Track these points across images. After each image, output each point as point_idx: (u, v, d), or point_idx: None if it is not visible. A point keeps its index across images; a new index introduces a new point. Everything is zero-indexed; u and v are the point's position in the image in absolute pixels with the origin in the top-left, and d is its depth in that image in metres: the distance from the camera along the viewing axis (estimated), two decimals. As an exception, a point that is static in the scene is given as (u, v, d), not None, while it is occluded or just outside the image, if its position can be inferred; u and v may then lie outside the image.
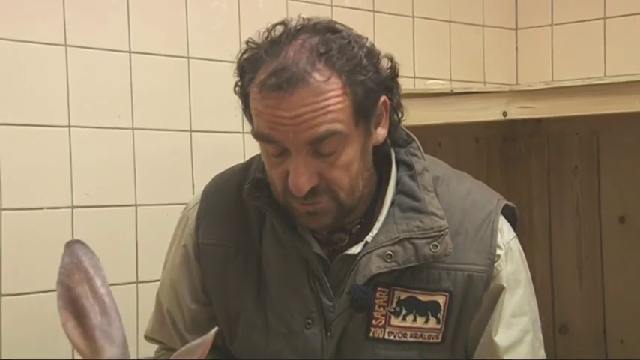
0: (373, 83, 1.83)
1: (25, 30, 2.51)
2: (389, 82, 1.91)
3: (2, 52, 2.50)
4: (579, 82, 2.56)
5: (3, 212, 2.46)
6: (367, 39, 1.89)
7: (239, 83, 1.89)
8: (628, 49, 3.44)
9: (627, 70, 3.23)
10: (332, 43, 1.80)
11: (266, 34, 1.86)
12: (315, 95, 1.77)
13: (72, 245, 1.65)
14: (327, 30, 1.84)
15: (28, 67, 2.52)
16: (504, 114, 2.60)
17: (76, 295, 1.59)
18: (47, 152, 2.56)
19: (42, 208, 2.54)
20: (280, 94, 1.76)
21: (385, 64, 1.91)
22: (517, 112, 2.60)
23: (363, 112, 1.83)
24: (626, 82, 2.44)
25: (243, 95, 1.87)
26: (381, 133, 1.92)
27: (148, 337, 2.26)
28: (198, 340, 1.45)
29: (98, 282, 1.60)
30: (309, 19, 1.88)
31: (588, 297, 3.50)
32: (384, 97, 1.88)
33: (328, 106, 1.77)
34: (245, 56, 1.86)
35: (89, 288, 1.60)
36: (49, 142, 2.56)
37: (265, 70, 1.79)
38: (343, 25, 1.89)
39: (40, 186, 2.54)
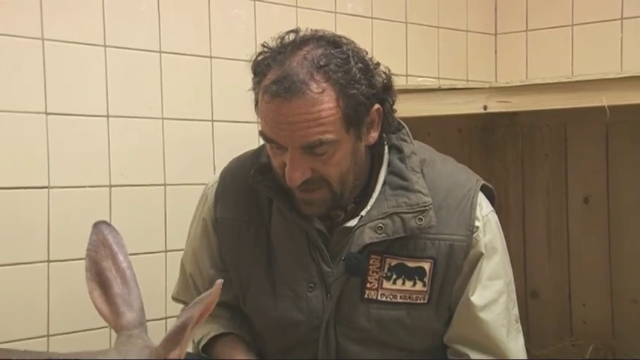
0: (364, 97, 1.82)
1: (70, 32, 2.53)
2: (382, 93, 1.89)
3: (53, 53, 2.51)
4: (550, 81, 2.56)
5: (51, 190, 2.49)
6: (367, 52, 1.89)
7: (254, 80, 1.88)
8: (592, 52, 3.44)
9: (592, 70, 3.23)
10: (332, 57, 1.80)
11: (279, 40, 1.86)
12: (310, 106, 1.77)
13: (99, 225, 1.68)
14: (330, 44, 1.84)
15: (73, 65, 2.54)
16: (485, 108, 2.61)
17: (101, 269, 1.63)
18: (89, 138, 2.58)
19: (84, 186, 2.57)
20: (280, 100, 1.77)
21: (381, 77, 1.90)
22: (496, 106, 2.60)
23: (353, 122, 1.83)
24: (591, 80, 2.45)
25: (255, 94, 1.87)
26: (373, 135, 1.91)
27: (175, 298, 2.27)
28: (207, 292, 1.48)
29: (120, 257, 1.63)
30: (316, 32, 1.87)
31: (556, 267, 3.52)
32: (377, 106, 1.88)
33: (321, 117, 1.78)
34: (258, 59, 1.86)
35: (112, 262, 1.64)
36: (90, 129, 2.58)
37: (271, 77, 1.80)
38: (347, 38, 1.88)
39: (83, 167, 2.56)
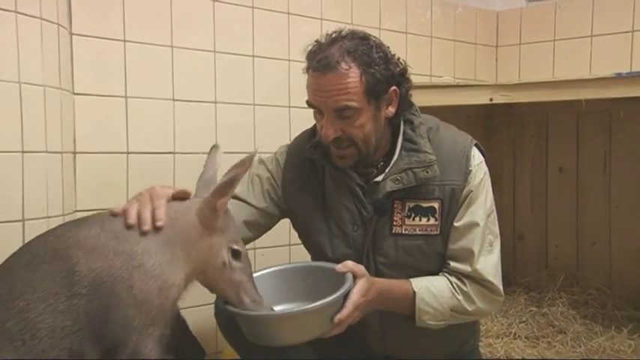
0: (382, 77, 1.84)
1: (140, 34, 2.45)
2: (398, 78, 1.90)
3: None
4: (537, 80, 2.59)
5: (130, 155, 2.44)
6: (388, 47, 1.91)
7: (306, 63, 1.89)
8: (569, 60, 3.42)
9: (568, 73, 3.26)
10: (359, 46, 1.83)
11: (326, 36, 1.89)
12: (339, 79, 1.81)
13: (213, 149, 1.79)
14: (360, 38, 1.87)
15: (149, 62, 2.47)
16: (491, 99, 2.62)
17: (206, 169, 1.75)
18: (158, 116, 2.51)
19: (154, 153, 2.50)
20: (319, 74, 1.82)
21: (398, 66, 1.90)
22: (499, 98, 2.61)
23: (372, 94, 1.84)
24: (567, 80, 2.47)
25: (306, 72, 1.89)
26: (390, 110, 1.91)
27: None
28: (246, 157, 1.56)
29: (211, 172, 1.73)
30: (353, 30, 1.91)
31: (536, 218, 3.55)
32: (394, 87, 1.89)
33: (347, 88, 1.81)
34: (310, 49, 1.89)
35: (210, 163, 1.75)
36: (159, 110, 2.52)
37: (315, 59, 1.83)
38: (375, 36, 1.91)
39: (154, 138, 2.50)
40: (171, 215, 1.63)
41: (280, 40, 2.82)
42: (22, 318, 1.50)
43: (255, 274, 1.79)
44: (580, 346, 2.65)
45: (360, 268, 1.80)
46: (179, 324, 1.72)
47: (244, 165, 1.59)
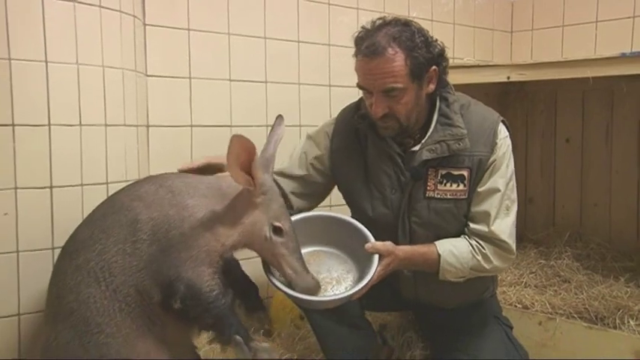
0: (424, 59, 1.81)
1: (202, 23, 2.44)
2: (438, 58, 1.86)
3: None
4: (547, 60, 2.54)
5: (193, 128, 2.44)
6: (427, 31, 1.87)
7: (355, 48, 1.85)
8: (574, 42, 3.37)
9: (573, 53, 3.27)
10: (403, 32, 1.80)
11: (372, 23, 1.86)
12: (386, 63, 1.78)
13: (277, 118, 1.82)
14: (403, 24, 1.83)
15: (209, 48, 2.47)
16: (508, 78, 2.57)
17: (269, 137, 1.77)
18: (217, 94, 2.51)
19: (213, 126, 2.50)
20: (368, 59, 1.79)
21: (437, 48, 1.86)
22: (515, 77, 2.56)
23: (416, 75, 1.81)
24: (576, 60, 2.42)
25: (355, 57, 1.85)
26: (431, 87, 1.88)
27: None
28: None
29: (271, 150, 1.74)
30: (396, 17, 1.86)
31: (545, 182, 3.50)
32: (434, 67, 1.86)
33: (394, 71, 1.78)
34: (357, 35, 1.85)
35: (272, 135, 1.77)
36: (218, 89, 2.51)
37: (364, 45, 1.80)
38: (415, 22, 1.87)
39: (213, 113, 2.50)
40: (223, 187, 1.67)
41: (322, 27, 2.81)
42: (101, 259, 1.58)
43: (300, 216, 1.84)
44: (582, 293, 2.64)
45: (387, 247, 1.79)
46: (233, 266, 1.74)
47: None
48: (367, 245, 1.77)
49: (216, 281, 1.62)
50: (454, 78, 2.09)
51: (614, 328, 2.36)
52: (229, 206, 1.64)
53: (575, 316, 2.46)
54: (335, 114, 2.14)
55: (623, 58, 2.29)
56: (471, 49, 3.47)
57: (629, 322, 2.37)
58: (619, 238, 3.20)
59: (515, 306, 2.57)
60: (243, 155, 1.57)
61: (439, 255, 1.86)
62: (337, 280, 1.77)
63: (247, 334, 1.61)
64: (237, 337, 1.58)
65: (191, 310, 1.58)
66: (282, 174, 2.05)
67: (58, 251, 1.72)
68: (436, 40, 1.89)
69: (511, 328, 2.15)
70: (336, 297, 1.70)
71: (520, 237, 3.16)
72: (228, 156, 1.55)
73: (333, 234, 1.86)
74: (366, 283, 1.71)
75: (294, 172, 2.07)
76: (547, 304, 2.56)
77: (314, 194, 2.10)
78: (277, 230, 1.66)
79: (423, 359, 2.18)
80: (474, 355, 1.97)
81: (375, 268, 1.74)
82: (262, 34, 2.62)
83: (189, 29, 2.43)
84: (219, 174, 1.78)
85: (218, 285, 1.62)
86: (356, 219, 1.90)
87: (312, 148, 2.09)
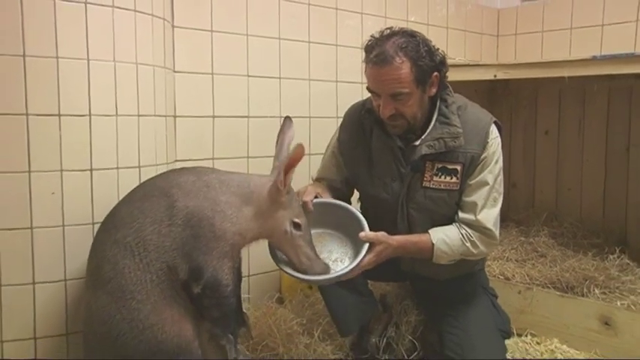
0: (427, 67, 1.79)
1: (223, 25, 2.41)
2: (439, 65, 1.85)
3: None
4: (529, 61, 2.52)
5: (215, 118, 2.42)
6: (431, 41, 1.85)
7: (365, 56, 1.83)
8: (552, 46, 3.39)
9: (552, 55, 3.26)
10: (409, 43, 1.78)
11: (380, 33, 1.84)
12: (394, 71, 1.76)
13: (286, 120, 1.81)
14: (409, 35, 1.81)
15: (229, 47, 2.44)
16: (495, 76, 2.56)
17: (281, 140, 1.77)
18: (236, 88, 2.48)
19: (233, 116, 2.47)
20: (378, 67, 1.78)
21: (439, 56, 1.84)
22: (501, 75, 2.54)
23: (420, 82, 1.80)
24: (552, 61, 2.40)
25: (364, 64, 1.83)
26: (432, 90, 1.86)
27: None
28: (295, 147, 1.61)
29: (284, 153, 1.74)
30: (402, 28, 1.85)
31: (526, 169, 3.49)
32: (435, 73, 1.84)
33: (400, 78, 1.77)
34: (367, 43, 1.83)
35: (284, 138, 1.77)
36: (237, 83, 2.48)
37: (373, 53, 1.78)
38: (419, 33, 1.84)
39: (233, 105, 2.46)
40: (251, 186, 1.68)
41: (330, 29, 2.79)
42: (137, 236, 1.59)
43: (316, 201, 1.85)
44: (556, 266, 2.65)
45: (378, 237, 1.78)
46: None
47: (290, 154, 1.63)
48: (361, 234, 1.77)
49: (231, 277, 1.64)
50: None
51: (582, 295, 2.40)
52: (257, 204, 1.66)
53: (550, 286, 2.48)
54: (341, 107, 2.15)
55: (594, 60, 2.29)
56: (462, 50, 3.45)
57: (594, 290, 2.42)
58: (588, 218, 3.20)
59: (498, 277, 2.59)
60: (298, 162, 1.63)
61: (433, 244, 1.86)
62: (335, 261, 1.81)
63: (236, 339, 1.68)
64: (231, 337, 1.64)
65: (206, 298, 1.61)
66: (322, 179, 2.08)
67: (97, 226, 1.74)
68: (438, 49, 1.87)
69: (496, 297, 2.15)
70: (327, 277, 1.72)
71: (503, 217, 3.14)
72: (291, 160, 1.62)
73: (337, 219, 1.87)
74: (352, 268, 1.73)
75: (330, 175, 2.08)
76: (526, 276, 2.58)
77: (351, 190, 2.12)
78: (296, 225, 1.70)
79: (417, 324, 2.19)
80: (464, 320, 1.98)
81: (362, 255, 1.74)
82: (277, 35, 2.61)
83: (212, 31, 2.41)
84: (249, 173, 1.83)
85: (232, 282, 1.64)
86: (362, 201, 1.88)
87: (334, 148, 2.10)
